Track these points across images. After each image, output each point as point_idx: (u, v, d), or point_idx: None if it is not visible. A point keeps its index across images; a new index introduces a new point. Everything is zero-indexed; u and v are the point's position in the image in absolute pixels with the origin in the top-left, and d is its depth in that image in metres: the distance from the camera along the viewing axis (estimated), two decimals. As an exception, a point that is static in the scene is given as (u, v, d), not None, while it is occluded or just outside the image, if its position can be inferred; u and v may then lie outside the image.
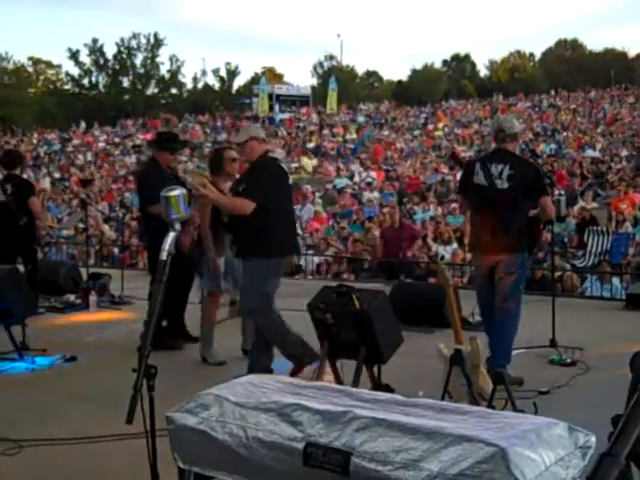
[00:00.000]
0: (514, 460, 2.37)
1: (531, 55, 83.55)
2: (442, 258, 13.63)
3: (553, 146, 28.37)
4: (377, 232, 16.01)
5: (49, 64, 76.62)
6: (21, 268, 9.90)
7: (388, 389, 6.11)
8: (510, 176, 7.04)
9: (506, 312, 7.10)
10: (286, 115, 49.99)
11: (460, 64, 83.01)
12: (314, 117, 47.23)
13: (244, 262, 7.12)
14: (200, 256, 8.24)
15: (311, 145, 35.12)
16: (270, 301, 7.00)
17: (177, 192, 3.71)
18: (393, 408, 2.83)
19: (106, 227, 18.97)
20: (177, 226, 3.65)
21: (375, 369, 6.37)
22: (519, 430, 2.54)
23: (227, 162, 8.37)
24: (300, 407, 2.86)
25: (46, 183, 27.97)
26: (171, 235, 3.48)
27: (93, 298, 11.21)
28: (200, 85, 76.32)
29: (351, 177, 26.36)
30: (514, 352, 7.77)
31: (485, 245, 7.18)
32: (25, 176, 12.95)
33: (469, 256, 14.66)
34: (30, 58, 75.87)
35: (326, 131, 39.28)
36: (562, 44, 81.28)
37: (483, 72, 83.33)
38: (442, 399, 5.41)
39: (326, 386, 3.38)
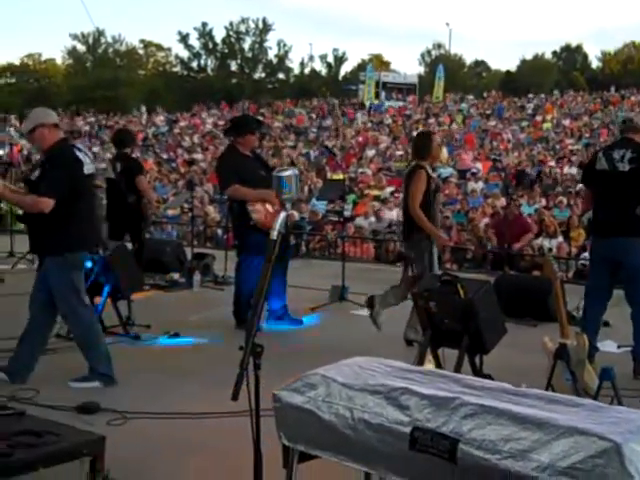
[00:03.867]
0: (629, 456, 2.31)
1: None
2: (550, 251, 13.38)
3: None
4: (483, 222, 15.83)
5: (159, 47, 77.98)
6: (129, 246, 10.11)
7: (489, 379, 6.04)
8: (632, 159, 7.03)
9: None
10: (392, 103, 49.78)
11: (571, 55, 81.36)
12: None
13: (42, 259, 6.78)
14: None
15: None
16: (80, 298, 6.62)
17: (289, 172, 3.72)
18: (502, 397, 2.79)
19: (211, 208, 19.20)
20: (288, 206, 3.66)
21: (477, 359, 6.30)
22: (634, 425, 2.48)
23: (435, 147, 8.42)
24: (408, 391, 2.84)
25: (153, 163, 28.49)
26: (282, 215, 3.48)
27: (197, 277, 11.37)
28: (307, 70, 76.70)
29: (455, 166, 26.12)
30: (622, 349, 7.64)
31: (607, 227, 7.11)
32: (134, 156, 13.18)
33: (574, 251, 14.46)
34: (142, 41, 77.40)
35: (432, 120, 39.01)
36: (679, 36, 79.04)
37: (595, 64, 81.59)
38: (545, 393, 5.30)
39: (434, 371, 3.36)
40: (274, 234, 3.32)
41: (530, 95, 49.08)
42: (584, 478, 2.35)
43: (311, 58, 78.01)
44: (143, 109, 49.73)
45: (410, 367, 3.28)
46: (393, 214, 17.22)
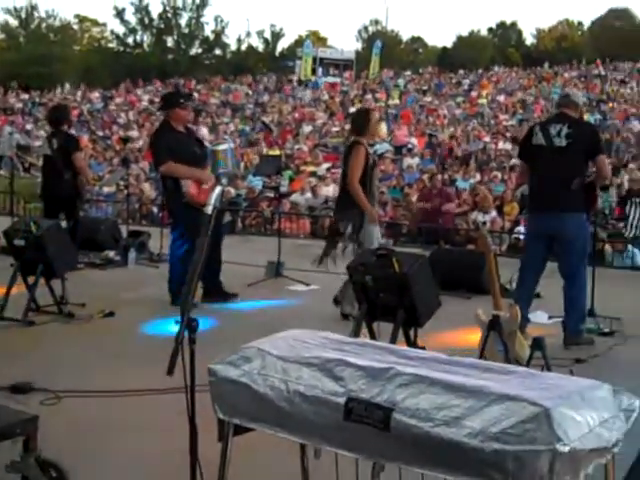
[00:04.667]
0: (558, 420, 2.35)
1: (579, 24, 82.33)
2: (484, 224, 13.55)
3: (598, 116, 27.98)
4: (415, 197, 16.02)
5: (95, 22, 76.75)
6: (63, 224, 9.99)
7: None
8: (568, 134, 7.15)
9: (577, 276, 7.23)
10: (329, 79, 49.73)
11: (506, 32, 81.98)
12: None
13: None
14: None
15: (353, 110, 34.99)
16: None
17: (224, 146, 3.71)
18: (436, 366, 2.82)
19: (146, 185, 19.05)
20: (224, 180, 3.64)
21: (412, 332, 6.36)
22: (563, 391, 2.52)
23: (373, 124, 8.48)
24: (342, 362, 2.85)
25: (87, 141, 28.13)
26: (217, 189, 3.45)
27: (132, 255, 11.30)
28: (244, 47, 76.18)
29: (391, 142, 26.21)
30: (552, 320, 7.78)
31: (543, 202, 7.22)
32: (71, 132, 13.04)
33: (508, 225, 14.66)
34: (76, 16, 76.13)
35: (369, 96, 39.04)
36: (612, 14, 79.89)
37: (530, 41, 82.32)
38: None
39: (369, 343, 3.38)
40: (209, 209, 3.29)
41: (465, 71, 49.45)
42: (515, 442, 2.39)
43: (248, 34, 77.53)
44: (68, 86, 48.98)
45: (345, 339, 3.29)
46: (329, 190, 17.25)
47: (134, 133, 30.10)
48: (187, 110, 9.23)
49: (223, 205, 13.63)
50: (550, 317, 8.01)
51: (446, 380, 2.64)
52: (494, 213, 14.87)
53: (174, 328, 3.04)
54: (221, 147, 3.49)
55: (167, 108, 9.10)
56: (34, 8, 70.56)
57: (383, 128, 27.04)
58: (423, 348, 6.23)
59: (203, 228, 3.26)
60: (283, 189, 15.74)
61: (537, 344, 5.60)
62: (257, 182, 18.16)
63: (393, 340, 6.09)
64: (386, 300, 6.23)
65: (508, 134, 25.70)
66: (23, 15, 71.36)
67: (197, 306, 7.97)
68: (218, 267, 9.05)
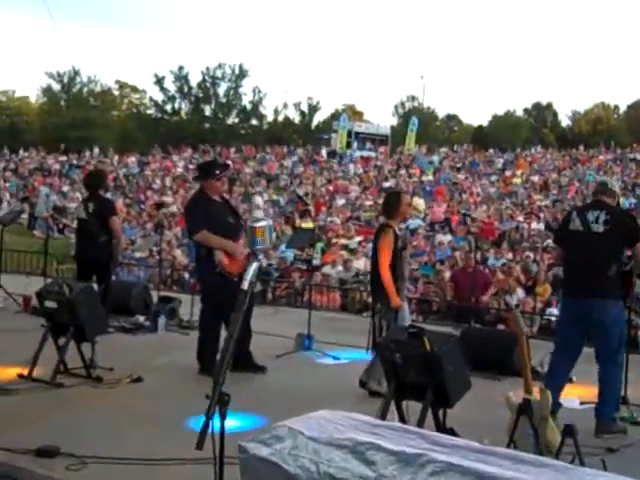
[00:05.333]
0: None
1: (615, 108, 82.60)
2: (517, 306, 13.46)
3: (633, 200, 27.88)
4: (447, 274, 15.95)
5: (134, 88, 78.04)
6: (95, 287, 10.04)
7: (452, 433, 6.02)
8: (606, 221, 7.14)
9: (612, 362, 7.13)
10: (364, 153, 50.02)
11: (542, 113, 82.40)
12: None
13: None
14: None
15: (387, 184, 35.10)
16: None
17: (263, 224, 3.73)
18: (469, 455, 2.78)
19: (178, 252, 19.14)
20: (260, 256, 3.66)
21: (441, 412, 6.29)
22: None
23: (404, 207, 8.58)
24: (374, 446, 2.83)
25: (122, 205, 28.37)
26: (254, 265, 3.46)
27: (162, 321, 11.31)
28: (281, 118, 77.01)
29: (424, 218, 26.23)
30: (584, 406, 7.67)
31: (580, 287, 7.17)
32: (107, 196, 13.19)
33: (539, 305, 14.54)
34: (117, 82, 77.49)
35: (403, 171, 39.21)
36: (649, 98, 79.98)
37: (565, 122, 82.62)
38: (507, 448, 5.30)
39: (401, 427, 3.34)
40: (245, 284, 3.30)
41: (500, 150, 49.59)
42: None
43: (285, 106, 78.41)
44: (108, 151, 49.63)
45: (376, 421, 3.26)
46: (361, 264, 17.22)
47: (168, 199, 30.32)
48: (222, 181, 9.33)
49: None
50: (582, 403, 7.88)
51: (479, 470, 2.60)
52: (522, 293, 14.76)
53: (204, 399, 3.04)
54: (260, 224, 3.52)
55: (203, 178, 9.20)
56: (77, 73, 72.01)
57: (420, 204, 27.16)
58: (452, 429, 6.17)
59: (238, 303, 3.27)
60: (315, 262, 15.75)
61: (568, 431, 5.50)
62: (289, 253, 18.19)
63: (421, 420, 6.02)
64: (415, 379, 6.19)
65: (541, 215, 25.65)
66: (65, 80, 72.84)
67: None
68: (248, 338, 9.04)
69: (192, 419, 6.11)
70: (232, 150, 48.81)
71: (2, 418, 6.47)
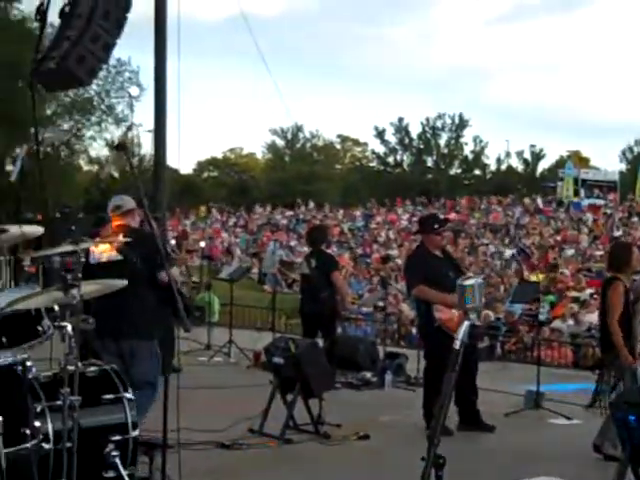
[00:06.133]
0: None
1: None
2: None
3: None
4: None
5: (356, 142, 79.44)
6: (320, 342, 10.17)
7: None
8: None
9: None
10: (592, 200, 48.61)
11: None
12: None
13: None
14: None
15: (618, 233, 33.88)
16: None
17: (472, 282, 3.64)
18: None
19: (405, 306, 19.12)
20: (472, 315, 3.56)
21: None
22: None
23: (635, 260, 8.28)
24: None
25: (348, 259, 28.80)
26: (465, 324, 3.39)
27: (389, 377, 11.30)
28: (504, 167, 76.16)
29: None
30: None
31: None
32: (330, 251, 13.41)
33: None
34: (339, 136, 79.20)
35: (635, 219, 37.72)
36: None
37: None
38: None
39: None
40: (457, 344, 3.23)
41: None
42: None
43: (508, 154, 77.53)
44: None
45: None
46: (593, 317, 16.57)
47: (394, 252, 30.52)
48: (441, 236, 9.29)
49: (481, 329, 13.44)
50: None
51: None
52: None
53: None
54: (469, 282, 3.47)
55: (423, 232, 9.22)
56: (299, 129, 74.24)
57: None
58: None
59: (450, 363, 3.20)
60: (542, 317, 15.31)
61: None
62: (517, 306, 17.82)
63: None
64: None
65: None
66: (289, 136, 75.31)
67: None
68: (475, 396, 8.86)
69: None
70: (462, 201, 48.65)
71: (233, 472, 6.61)
